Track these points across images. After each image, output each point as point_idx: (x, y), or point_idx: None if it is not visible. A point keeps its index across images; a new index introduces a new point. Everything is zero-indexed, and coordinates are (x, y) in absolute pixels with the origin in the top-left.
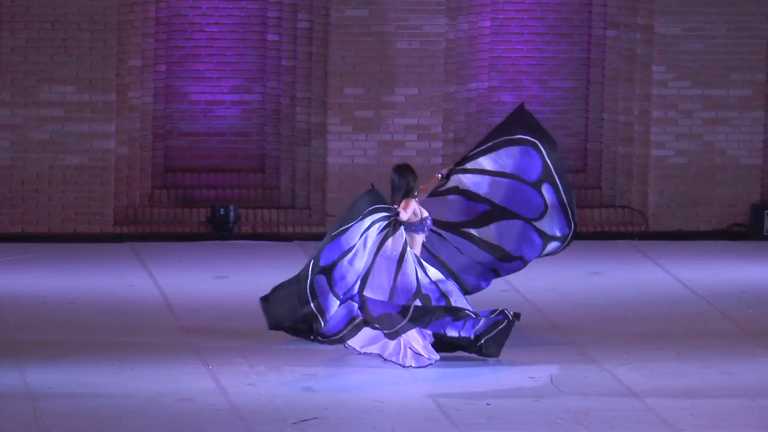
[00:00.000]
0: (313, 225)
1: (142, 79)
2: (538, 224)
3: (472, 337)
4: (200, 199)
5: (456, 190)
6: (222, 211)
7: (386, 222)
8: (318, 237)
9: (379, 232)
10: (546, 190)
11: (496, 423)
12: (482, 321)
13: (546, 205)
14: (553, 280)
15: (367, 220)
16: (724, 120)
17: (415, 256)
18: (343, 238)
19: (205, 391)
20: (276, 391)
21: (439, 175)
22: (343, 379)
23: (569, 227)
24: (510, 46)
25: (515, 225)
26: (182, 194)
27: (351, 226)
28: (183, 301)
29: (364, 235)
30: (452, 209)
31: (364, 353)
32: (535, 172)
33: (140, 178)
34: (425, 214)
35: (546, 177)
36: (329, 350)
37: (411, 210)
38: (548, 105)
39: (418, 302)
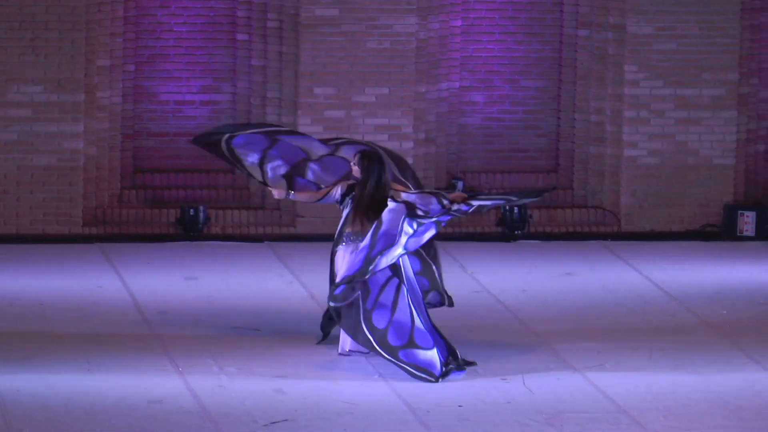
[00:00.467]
0: (284, 226)
1: (110, 79)
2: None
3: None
4: (169, 200)
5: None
6: (191, 212)
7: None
8: (288, 238)
9: None
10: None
11: (467, 425)
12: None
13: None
14: (525, 281)
15: None
16: (697, 120)
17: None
18: None
19: (174, 393)
20: (246, 392)
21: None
22: (314, 381)
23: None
24: (481, 45)
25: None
26: (151, 195)
27: None
28: (152, 303)
29: None
30: None
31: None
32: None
33: (109, 179)
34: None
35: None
36: (300, 352)
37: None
38: (519, 105)
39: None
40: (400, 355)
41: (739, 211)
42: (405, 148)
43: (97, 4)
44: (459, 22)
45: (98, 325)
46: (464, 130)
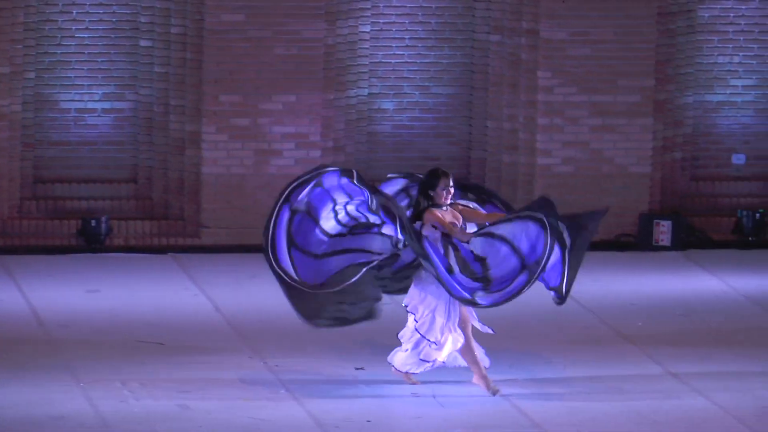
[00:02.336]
0: (188, 236)
1: (10, 86)
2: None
3: None
4: (71, 211)
5: None
6: (93, 223)
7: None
8: (192, 249)
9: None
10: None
11: None
12: None
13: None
14: None
15: None
16: (612, 127)
17: None
18: None
19: (77, 409)
20: (150, 408)
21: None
22: (219, 396)
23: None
24: (390, 51)
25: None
26: (52, 205)
27: None
28: (54, 316)
29: None
30: None
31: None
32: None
33: (9, 189)
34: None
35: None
36: (205, 366)
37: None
38: (430, 112)
39: None
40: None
41: (655, 221)
42: (312, 156)
43: None
44: (368, 28)
45: None
46: (374, 138)
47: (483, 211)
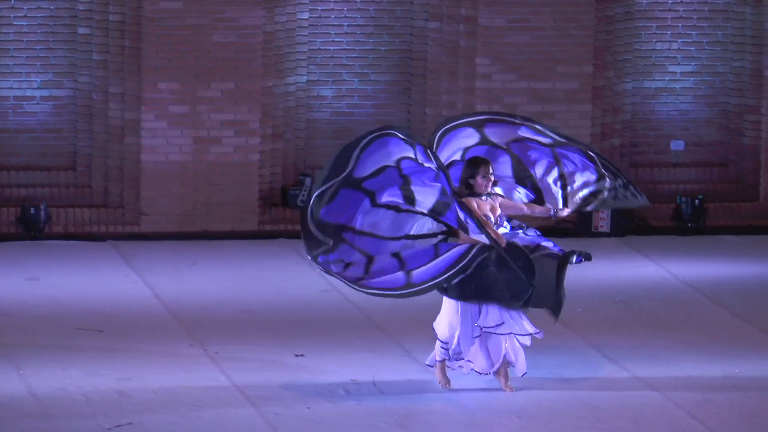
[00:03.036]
0: (127, 224)
1: None
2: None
3: None
4: (9, 198)
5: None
6: (32, 211)
7: None
8: (132, 237)
9: None
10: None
11: (317, 427)
12: None
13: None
14: None
15: None
16: (551, 113)
17: None
18: None
19: (17, 397)
20: (90, 395)
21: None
22: (160, 384)
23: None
24: (329, 38)
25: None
26: None
27: None
28: None
29: None
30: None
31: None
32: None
33: None
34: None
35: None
36: (145, 353)
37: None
38: (369, 99)
39: None
40: None
41: None
42: (251, 144)
43: None
44: (306, 15)
45: None
46: (312, 125)
47: (519, 203)
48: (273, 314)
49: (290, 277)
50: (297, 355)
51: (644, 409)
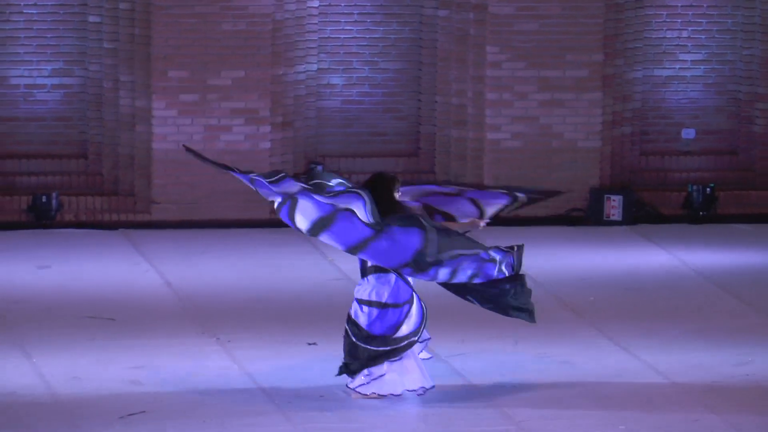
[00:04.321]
0: (138, 212)
1: None
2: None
3: None
4: (21, 187)
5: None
6: (44, 199)
7: None
8: (143, 225)
9: None
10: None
11: (329, 416)
12: None
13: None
14: None
15: None
16: (561, 102)
17: None
18: None
19: (29, 385)
20: (102, 384)
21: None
22: (171, 373)
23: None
24: (339, 26)
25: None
26: (2, 181)
27: None
28: (4, 293)
29: None
30: None
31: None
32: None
33: None
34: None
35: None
36: (156, 342)
37: None
38: (379, 87)
39: None
40: None
41: (606, 195)
42: (262, 132)
43: None
44: (316, 3)
45: None
46: (322, 113)
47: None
48: (285, 303)
49: (301, 265)
50: (309, 344)
51: (656, 397)
